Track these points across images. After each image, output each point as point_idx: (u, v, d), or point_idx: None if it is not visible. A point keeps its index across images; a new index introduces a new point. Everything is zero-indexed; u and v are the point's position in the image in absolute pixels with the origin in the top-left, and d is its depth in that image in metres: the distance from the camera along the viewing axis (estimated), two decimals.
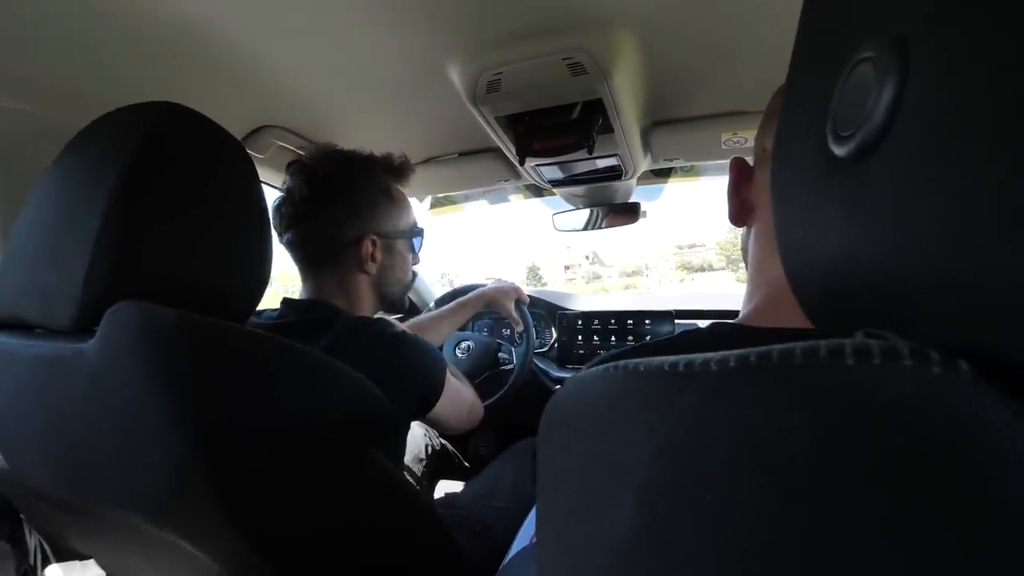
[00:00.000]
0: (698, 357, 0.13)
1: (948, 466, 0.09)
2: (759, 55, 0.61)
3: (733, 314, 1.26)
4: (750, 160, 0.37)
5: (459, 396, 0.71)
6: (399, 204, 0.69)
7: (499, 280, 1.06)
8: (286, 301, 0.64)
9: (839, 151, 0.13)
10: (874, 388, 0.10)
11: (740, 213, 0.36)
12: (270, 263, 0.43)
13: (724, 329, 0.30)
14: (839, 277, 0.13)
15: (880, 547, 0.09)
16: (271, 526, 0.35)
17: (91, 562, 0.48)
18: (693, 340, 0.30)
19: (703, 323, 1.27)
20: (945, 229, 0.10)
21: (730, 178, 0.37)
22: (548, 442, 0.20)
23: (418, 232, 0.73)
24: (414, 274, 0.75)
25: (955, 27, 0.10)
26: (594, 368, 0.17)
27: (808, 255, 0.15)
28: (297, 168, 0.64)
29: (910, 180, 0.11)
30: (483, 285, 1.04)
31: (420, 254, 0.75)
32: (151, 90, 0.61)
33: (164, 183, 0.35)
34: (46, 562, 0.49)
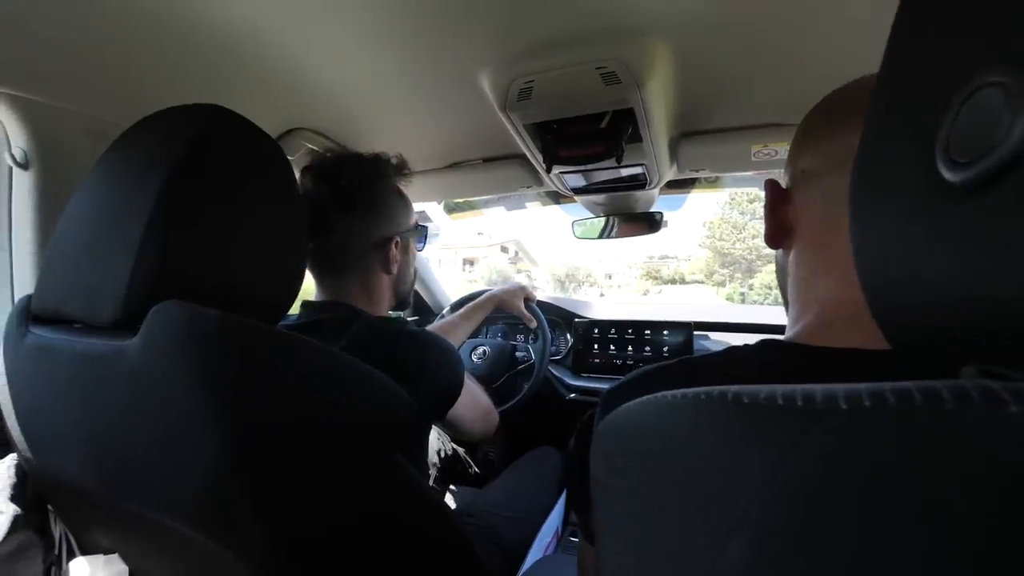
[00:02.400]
0: (817, 389, 0.12)
1: None
2: (795, 68, 0.60)
3: (755, 328, 1.23)
4: (778, 177, 0.37)
5: (477, 397, 0.71)
6: (407, 203, 0.70)
7: (505, 282, 1.10)
8: (306, 303, 0.65)
9: (953, 177, 0.12)
10: None
11: (778, 235, 0.36)
12: (305, 265, 0.44)
13: (778, 346, 0.29)
14: (947, 305, 0.12)
15: None
16: (299, 525, 0.34)
17: (115, 556, 0.48)
18: (743, 358, 0.29)
19: (718, 335, 1.24)
20: None
21: (766, 200, 0.37)
22: (621, 471, 0.19)
23: (423, 229, 0.74)
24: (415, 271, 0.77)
25: None
26: (675, 393, 0.16)
27: (905, 283, 0.14)
28: (318, 173, 0.62)
29: None
30: (489, 290, 1.07)
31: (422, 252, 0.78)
32: (191, 91, 0.62)
33: (209, 185, 0.36)
34: (71, 555, 0.49)
